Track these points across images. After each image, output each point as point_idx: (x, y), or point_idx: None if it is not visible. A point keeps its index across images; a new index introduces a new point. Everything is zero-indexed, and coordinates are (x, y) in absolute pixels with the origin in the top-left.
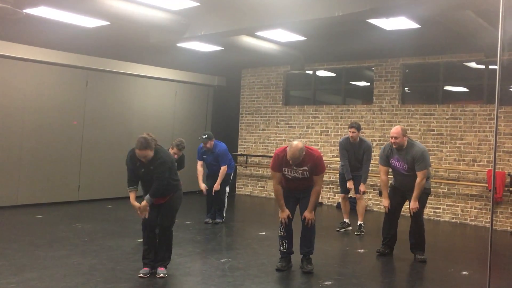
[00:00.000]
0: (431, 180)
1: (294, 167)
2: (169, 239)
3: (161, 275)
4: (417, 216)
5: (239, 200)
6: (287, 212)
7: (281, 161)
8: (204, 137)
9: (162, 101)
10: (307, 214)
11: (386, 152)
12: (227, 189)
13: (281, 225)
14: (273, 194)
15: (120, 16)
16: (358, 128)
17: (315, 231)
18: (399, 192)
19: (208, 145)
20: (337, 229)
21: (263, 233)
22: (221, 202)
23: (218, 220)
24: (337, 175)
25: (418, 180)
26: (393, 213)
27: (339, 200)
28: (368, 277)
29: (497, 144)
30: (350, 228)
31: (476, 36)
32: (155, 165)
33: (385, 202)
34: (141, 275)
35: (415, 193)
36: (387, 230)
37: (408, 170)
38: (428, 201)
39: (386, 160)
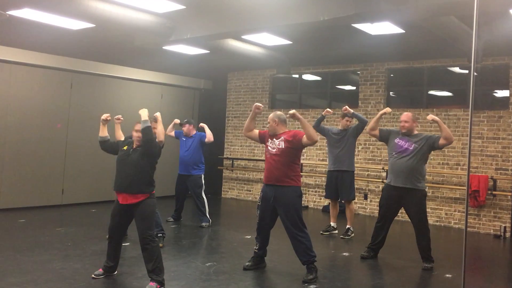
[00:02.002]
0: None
1: (274, 139)
2: (151, 252)
3: None
4: (421, 223)
5: (225, 203)
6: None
7: (267, 133)
8: (185, 120)
9: (147, 104)
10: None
11: (391, 130)
12: (203, 190)
13: (257, 226)
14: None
15: (105, 18)
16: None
17: (305, 238)
18: (394, 195)
19: (185, 129)
20: (321, 232)
21: (249, 237)
22: (199, 203)
23: (203, 224)
24: (323, 179)
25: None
26: (385, 217)
27: (325, 203)
28: (352, 281)
29: (477, 148)
30: (336, 232)
31: (460, 41)
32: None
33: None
34: (93, 275)
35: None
36: (376, 234)
37: (413, 150)
38: None
39: (386, 132)
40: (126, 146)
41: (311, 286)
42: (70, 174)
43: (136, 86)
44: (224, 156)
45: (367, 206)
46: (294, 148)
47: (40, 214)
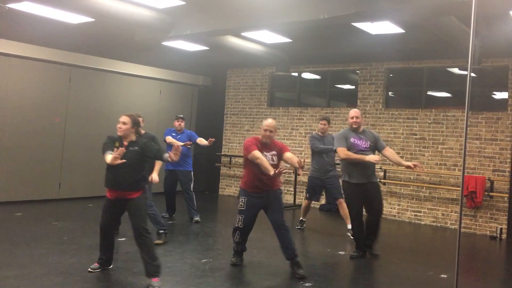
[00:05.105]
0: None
1: (265, 153)
2: (148, 242)
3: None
4: (380, 212)
5: (222, 200)
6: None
7: (257, 143)
8: (181, 116)
9: (146, 99)
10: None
11: (344, 134)
12: (192, 184)
13: (238, 232)
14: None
15: (105, 13)
16: (329, 121)
17: (289, 230)
18: (360, 193)
19: (182, 124)
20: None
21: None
22: (188, 198)
23: (196, 218)
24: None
25: (391, 151)
26: (359, 214)
27: (322, 202)
28: (348, 279)
29: (475, 149)
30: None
31: (459, 42)
32: (139, 146)
33: (371, 157)
34: (89, 269)
35: (403, 162)
36: (359, 233)
37: (369, 147)
38: (409, 204)
39: (345, 141)
40: (117, 143)
41: (307, 284)
42: (67, 169)
43: (135, 81)
44: (222, 153)
45: None
46: (279, 160)
47: (37, 208)
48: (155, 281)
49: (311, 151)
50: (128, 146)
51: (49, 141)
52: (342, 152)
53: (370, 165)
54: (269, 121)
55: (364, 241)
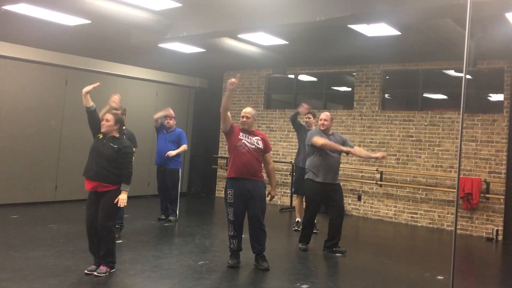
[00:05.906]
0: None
1: (250, 137)
2: (106, 241)
3: (96, 273)
4: (343, 209)
5: (218, 202)
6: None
7: (238, 128)
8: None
9: (143, 101)
10: (272, 192)
11: (318, 132)
12: (179, 185)
13: (231, 225)
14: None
15: (101, 15)
16: (314, 115)
17: (265, 229)
18: (322, 192)
19: (171, 122)
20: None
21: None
22: (174, 198)
23: (171, 218)
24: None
25: (359, 149)
26: (316, 212)
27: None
28: (344, 280)
29: (471, 151)
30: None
31: (455, 44)
32: (119, 146)
33: (345, 148)
34: (86, 271)
35: (372, 154)
36: (310, 228)
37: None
38: (405, 206)
39: (320, 136)
40: (101, 135)
41: (303, 286)
42: (63, 171)
43: (131, 83)
44: (219, 155)
45: (360, 207)
46: (263, 150)
47: (33, 210)
48: (101, 268)
49: (299, 144)
50: (109, 141)
51: (45, 143)
52: (320, 140)
53: (335, 166)
54: (246, 109)
55: (330, 243)
